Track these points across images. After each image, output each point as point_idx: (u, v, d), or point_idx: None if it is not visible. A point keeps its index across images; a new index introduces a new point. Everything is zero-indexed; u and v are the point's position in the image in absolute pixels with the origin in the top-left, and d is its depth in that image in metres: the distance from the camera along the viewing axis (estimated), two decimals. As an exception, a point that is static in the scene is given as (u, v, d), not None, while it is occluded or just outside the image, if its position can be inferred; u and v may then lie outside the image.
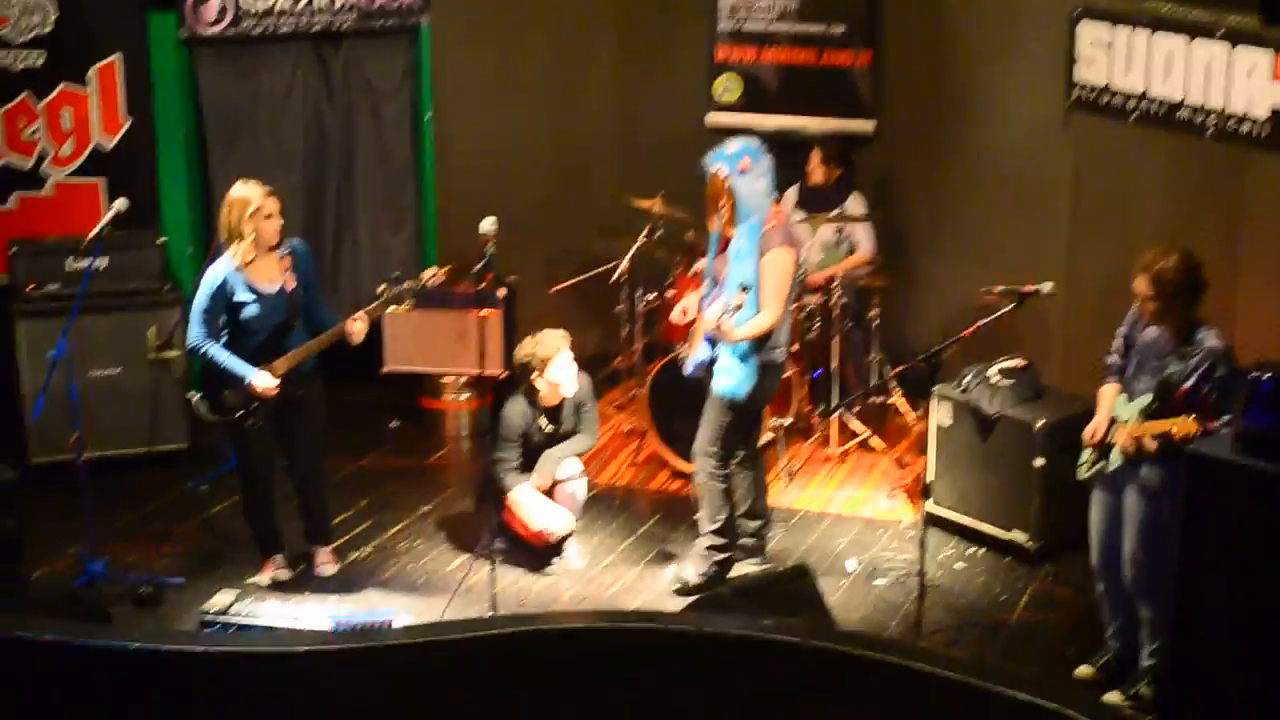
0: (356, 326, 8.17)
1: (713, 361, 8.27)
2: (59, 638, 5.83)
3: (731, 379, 8.16)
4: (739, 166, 8.07)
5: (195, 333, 8.15)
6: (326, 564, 8.76)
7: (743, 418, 8.34)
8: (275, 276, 8.18)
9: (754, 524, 8.72)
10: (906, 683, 5.64)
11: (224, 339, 8.17)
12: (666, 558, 8.91)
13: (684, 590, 8.48)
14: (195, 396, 8.43)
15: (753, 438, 8.69)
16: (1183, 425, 6.96)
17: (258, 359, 8.17)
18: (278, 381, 8.13)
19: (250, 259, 8.09)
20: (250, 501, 8.62)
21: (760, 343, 8.13)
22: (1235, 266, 8.60)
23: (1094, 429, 7.42)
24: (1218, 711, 6.62)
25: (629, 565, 8.86)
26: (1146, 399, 7.22)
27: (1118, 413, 7.36)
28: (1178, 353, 7.13)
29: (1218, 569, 6.55)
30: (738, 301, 7.96)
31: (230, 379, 8.15)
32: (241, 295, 8.09)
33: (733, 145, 8.17)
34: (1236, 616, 6.51)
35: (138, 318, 9.68)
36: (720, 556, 8.51)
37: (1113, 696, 7.53)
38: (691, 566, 8.59)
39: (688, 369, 8.47)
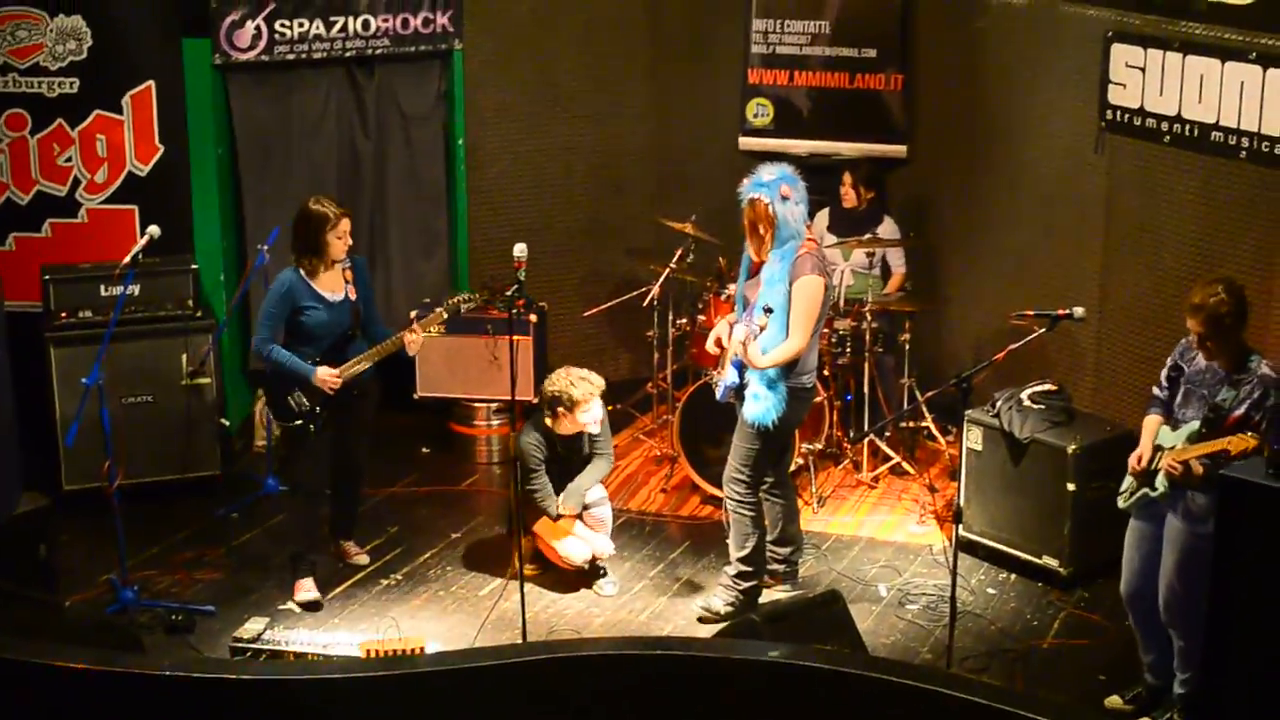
0: (412, 338, 8.52)
1: (741, 387, 8.26)
2: (91, 666, 5.85)
3: (760, 406, 8.15)
4: (780, 193, 8.07)
5: (261, 335, 8.48)
6: (358, 554, 9.13)
7: (772, 444, 8.33)
8: (339, 287, 8.51)
9: (785, 550, 8.70)
10: (938, 710, 5.61)
11: (291, 347, 8.46)
12: (697, 585, 8.90)
13: (711, 619, 8.46)
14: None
15: (783, 464, 8.67)
16: (1240, 441, 6.85)
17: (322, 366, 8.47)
18: (339, 374, 8.42)
19: (318, 272, 8.44)
20: (300, 512, 8.82)
21: (788, 369, 8.13)
22: (1270, 288, 8.56)
23: (1138, 456, 7.38)
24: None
25: (660, 592, 8.85)
26: (1194, 425, 7.17)
27: (1161, 441, 7.31)
28: (1229, 380, 7.08)
29: (1250, 593, 6.50)
30: (761, 323, 7.97)
31: (294, 380, 8.43)
32: (307, 301, 8.41)
33: (769, 173, 8.16)
34: (1269, 640, 6.47)
35: (170, 344, 9.70)
36: (747, 585, 8.49)
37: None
38: (719, 595, 8.57)
39: (718, 394, 8.47)
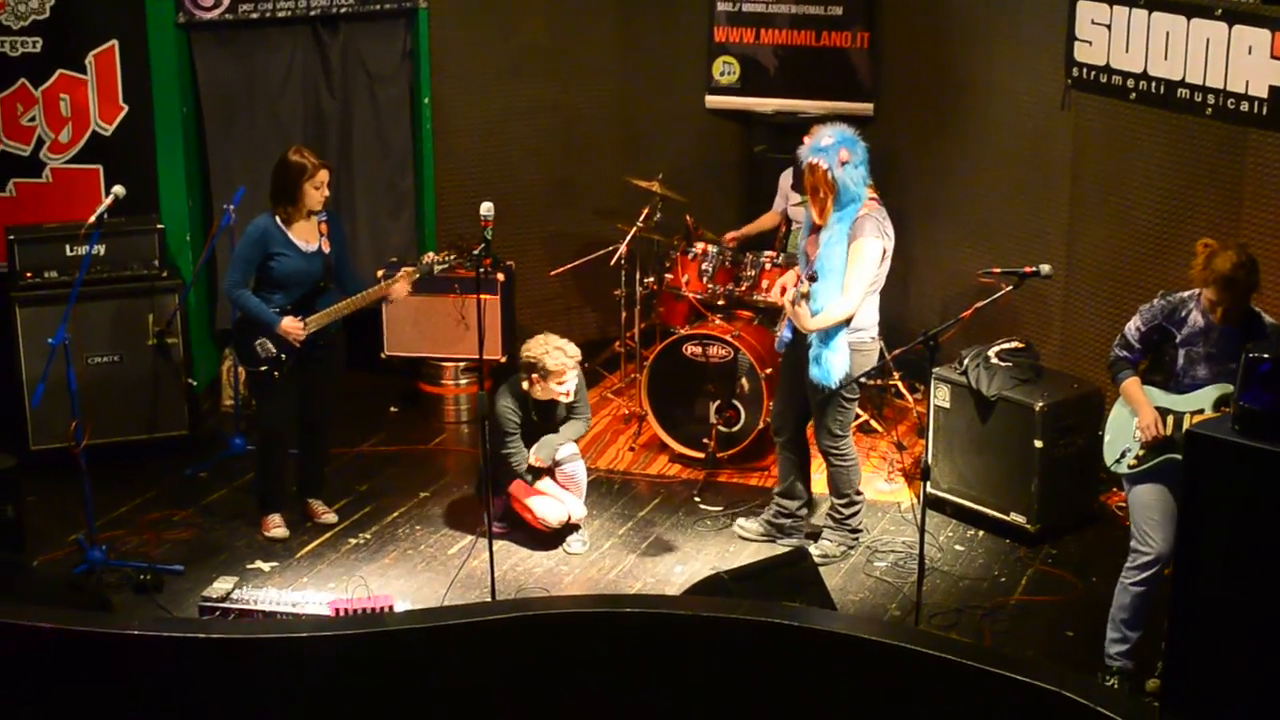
0: (398, 286, 8.67)
1: (792, 341, 8.42)
2: (60, 625, 5.85)
3: (822, 367, 8.27)
4: (840, 158, 8.12)
5: (232, 278, 8.59)
6: (326, 513, 9.15)
7: (845, 398, 8.45)
8: (313, 238, 8.61)
9: (793, 504, 8.82)
10: (906, 666, 5.65)
11: (261, 294, 8.57)
12: (666, 542, 8.91)
13: (825, 559, 8.54)
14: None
15: (805, 424, 8.75)
16: None
17: (291, 315, 8.55)
18: (304, 325, 8.52)
19: (293, 221, 8.54)
20: (265, 457, 8.95)
21: (845, 326, 8.24)
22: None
23: (1153, 425, 7.22)
24: (1220, 688, 6.63)
25: (629, 550, 8.86)
26: (1224, 388, 7.09)
27: (1166, 405, 7.24)
28: (1249, 336, 7.01)
29: (1217, 547, 6.55)
30: (804, 290, 8.15)
31: (260, 327, 8.52)
32: (280, 248, 8.51)
33: (827, 137, 8.20)
34: (1236, 593, 6.52)
35: (137, 304, 9.67)
36: (852, 513, 8.70)
37: (1153, 684, 7.42)
38: (827, 539, 8.71)
39: (776, 345, 8.70)
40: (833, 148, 8.13)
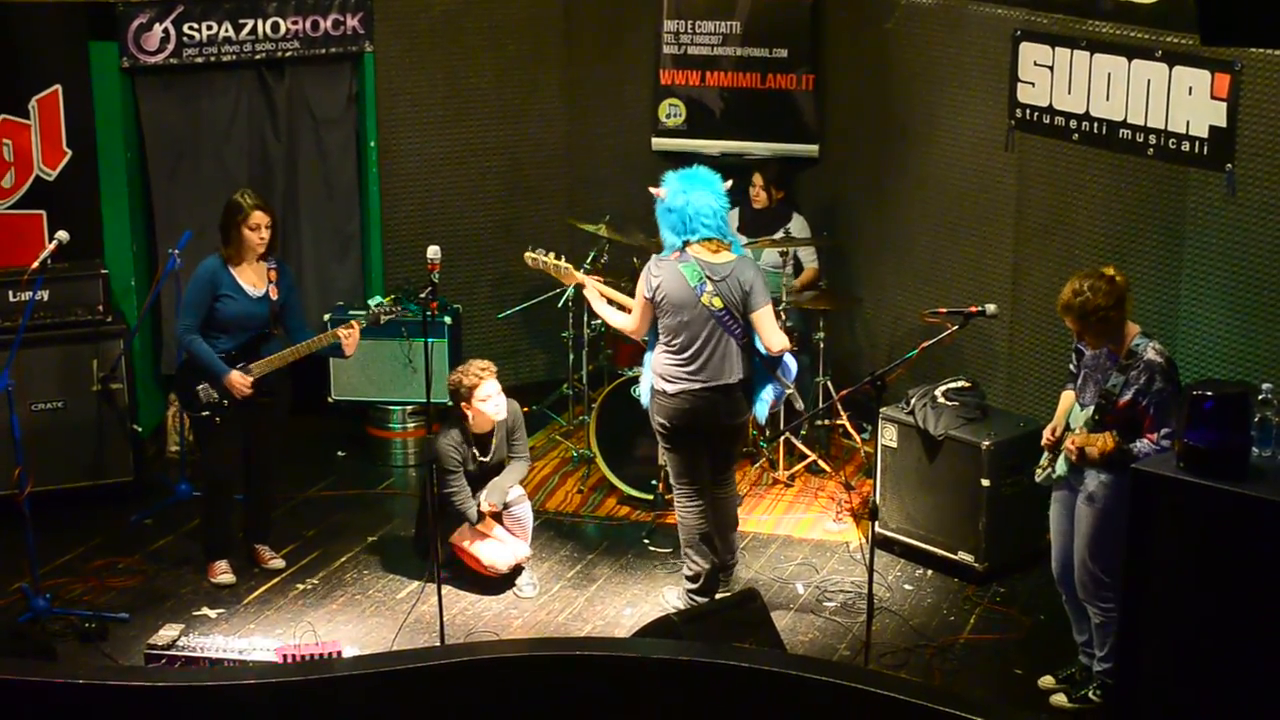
0: (347, 332, 8.62)
1: None
2: (3, 675, 5.79)
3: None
4: (656, 192, 8.24)
5: (184, 322, 8.60)
6: (273, 559, 9.11)
7: (658, 429, 8.36)
8: (260, 283, 8.63)
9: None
10: (855, 706, 5.64)
11: (207, 335, 8.56)
12: (616, 585, 8.90)
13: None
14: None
15: (697, 469, 8.48)
16: (1101, 443, 7.19)
17: (237, 361, 8.54)
18: (250, 380, 8.52)
19: (236, 263, 8.54)
20: (211, 502, 8.91)
21: (653, 365, 8.25)
22: (1176, 284, 8.65)
23: (1051, 429, 7.55)
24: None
25: (578, 592, 8.84)
26: (1090, 410, 7.30)
27: (1072, 420, 7.44)
28: (1118, 365, 7.21)
29: (1162, 582, 6.60)
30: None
31: (207, 374, 8.51)
32: (227, 290, 8.53)
33: (685, 168, 8.26)
34: (1181, 627, 6.56)
35: (81, 350, 9.61)
36: (695, 587, 8.46)
37: (1059, 699, 7.58)
38: (682, 594, 8.59)
39: None
40: (665, 178, 8.26)
